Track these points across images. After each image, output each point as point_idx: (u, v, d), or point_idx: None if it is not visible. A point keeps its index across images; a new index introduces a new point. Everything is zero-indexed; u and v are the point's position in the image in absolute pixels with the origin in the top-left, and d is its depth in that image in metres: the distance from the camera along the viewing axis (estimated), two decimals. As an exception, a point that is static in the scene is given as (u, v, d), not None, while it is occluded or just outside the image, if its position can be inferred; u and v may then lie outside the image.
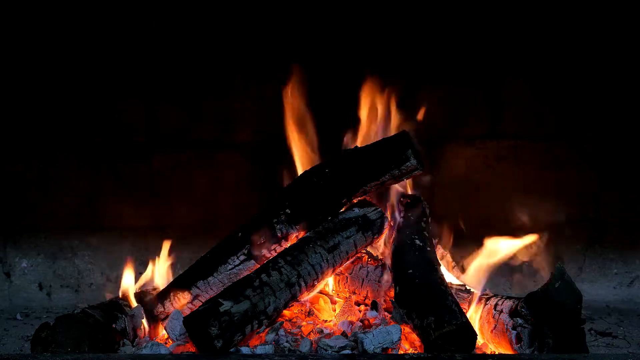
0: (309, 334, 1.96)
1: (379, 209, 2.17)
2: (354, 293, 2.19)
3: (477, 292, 2.07)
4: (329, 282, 2.24)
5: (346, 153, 2.21)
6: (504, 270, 3.01)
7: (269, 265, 1.93)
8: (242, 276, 1.99)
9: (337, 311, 2.13)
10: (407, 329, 1.89)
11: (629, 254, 3.02)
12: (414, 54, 2.84)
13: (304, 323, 2.02)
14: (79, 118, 2.89)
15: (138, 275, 2.25)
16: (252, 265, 2.10)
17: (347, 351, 1.80)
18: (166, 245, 2.29)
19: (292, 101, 2.42)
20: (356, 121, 2.40)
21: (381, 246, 2.28)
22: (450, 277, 2.26)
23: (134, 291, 2.15)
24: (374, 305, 2.11)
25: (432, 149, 2.93)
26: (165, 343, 1.99)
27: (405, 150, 2.07)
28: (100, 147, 2.92)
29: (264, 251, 2.12)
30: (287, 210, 2.13)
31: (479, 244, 2.27)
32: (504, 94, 2.94)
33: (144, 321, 2.05)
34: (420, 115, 2.38)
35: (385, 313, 2.07)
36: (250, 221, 2.18)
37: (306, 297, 2.06)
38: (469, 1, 2.85)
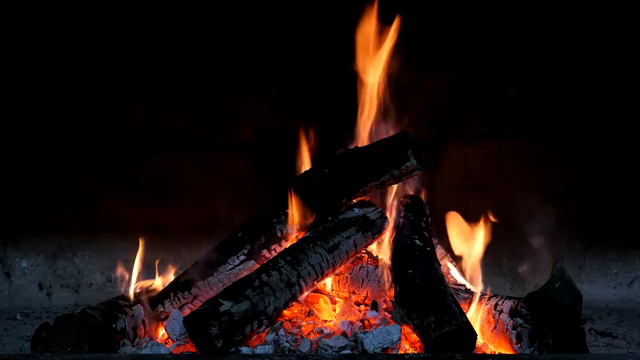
0: (309, 334, 1.96)
1: (379, 209, 2.17)
2: (354, 293, 2.19)
3: (477, 292, 2.07)
4: (329, 282, 2.24)
5: (346, 153, 2.21)
6: (504, 270, 3.01)
7: (269, 265, 1.93)
8: (242, 276, 1.99)
9: (337, 311, 2.13)
10: (407, 329, 1.89)
11: (629, 254, 3.02)
12: (414, 54, 2.84)
13: (304, 323, 2.02)
14: (79, 118, 2.89)
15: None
16: (252, 265, 2.10)
17: (347, 351, 1.80)
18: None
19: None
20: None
21: (381, 246, 2.28)
22: (450, 277, 2.26)
23: (134, 291, 2.15)
24: (374, 305, 2.12)
25: (432, 149, 2.93)
26: (165, 343, 1.99)
27: (405, 151, 2.07)
28: (100, 147, 2.92)
29: (264, 251, 2.12)
30: (287, 211, 2.13)
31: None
32: (503, 94, 2.94)
33: (144, 320, 2.06)
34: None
35: (385, 313, 2.07)
36: (250, 221, 2.19)
37: (305, 295, 2.07)
38: (469, 2, 2.85)
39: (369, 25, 2.30)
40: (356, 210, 2.14)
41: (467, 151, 2.99)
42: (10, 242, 2.94)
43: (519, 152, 2.98)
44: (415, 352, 1.85)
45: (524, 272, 3.02)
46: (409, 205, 2.32)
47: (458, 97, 2.93)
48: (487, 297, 2.03)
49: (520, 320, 1.81)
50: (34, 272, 2.95)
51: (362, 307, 2.16)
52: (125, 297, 2.12)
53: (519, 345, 1.80)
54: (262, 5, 2.81)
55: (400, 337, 1.81)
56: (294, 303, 2.02)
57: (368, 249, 2.23)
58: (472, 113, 2.95)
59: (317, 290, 2.18)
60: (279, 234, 2.12)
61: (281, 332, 1.91)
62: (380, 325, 1.96)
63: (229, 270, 2.10)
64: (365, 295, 2.17)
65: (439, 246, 2.33)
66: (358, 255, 2.18)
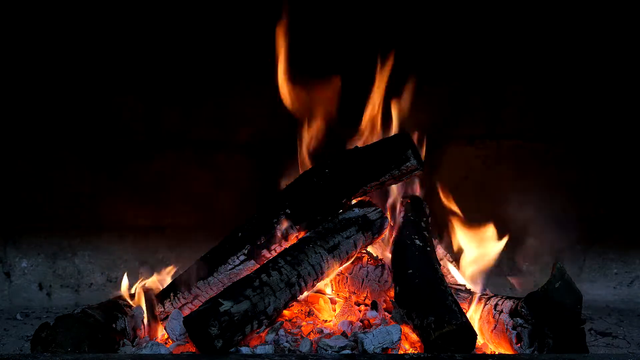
0: (309, 334, 1.96)
1: (379, 209, 2.17)
2: (354, 293, 2.19)
3: (477, 292, 2.07)
4: (329, 283, 2.24)
5: (346, 153, 2.21)
6: (504, 270, 3.01)
7: (269, 265, 1.93)
8: (242, 276, 1.99)
9: (337, 311, 2.13)
10: (407, 329, 1.89)
11: (629, 254, 3.02)
12: (414, 53, 2.84)
13: (304, 323, 2.02)
14: (79, 118, 2.89)
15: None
16: (252, 265, 2.10)
17: (347, 351, 1.80)
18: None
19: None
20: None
21: (381, 246, 2.28)
22: (450, 277, 2.26)
23: (135, 291, 2.15)
24: (374, 305, 2.12)
25: (432, 149, 2.93)
26: (165, 343, 1.99)
27: (405, 151, 2.07)
28: (100, 147, 2.92)
29: (264, 251, 2.12)
30: (287, 210, 2.13)
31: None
32: (504, 94, 2.94)
33: (144, 321, 2.06)
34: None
35: (385, 313, 2.07)
36: (250, 221, 2.19)
37: (305, 295, 2.07)
38: (470, 3, 2.85)
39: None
40: (356, 210, 2.14)
41: (467, 151, 2.98)
42: (10, 242, 2.94)
43: (519, 152, 2.98)
44: (415, 352, 1.85)
45: (523, 272, 3.02)
46: (409, 205, 2.32)
47: (458, 98, 2.93)
48: (487, 297, 2.03)
49: (520, 320, 1.81)
50: (34, 272, 2.95)
51: (362, 307, 2.16)
52: (125, 297, 2.11)
53: (519, 345, 1.80)
54: (262, 7, 2.81)
55: (400, 337, 1.81)
56: (294, 303, 2.02)
57: (368, 249, 2.23)
58: (472, 113, 2.94)
59: (317, 290, 2.18)
60: (279, 234, 2.12)
61: (281, 332, 1.91)
62: (380, 325, 1.96)
63: (229, 270, 2.10)
64: (365, 295, 2.17)
65: (439, 246, 2.33)
66: (358, 255, 2.18)
